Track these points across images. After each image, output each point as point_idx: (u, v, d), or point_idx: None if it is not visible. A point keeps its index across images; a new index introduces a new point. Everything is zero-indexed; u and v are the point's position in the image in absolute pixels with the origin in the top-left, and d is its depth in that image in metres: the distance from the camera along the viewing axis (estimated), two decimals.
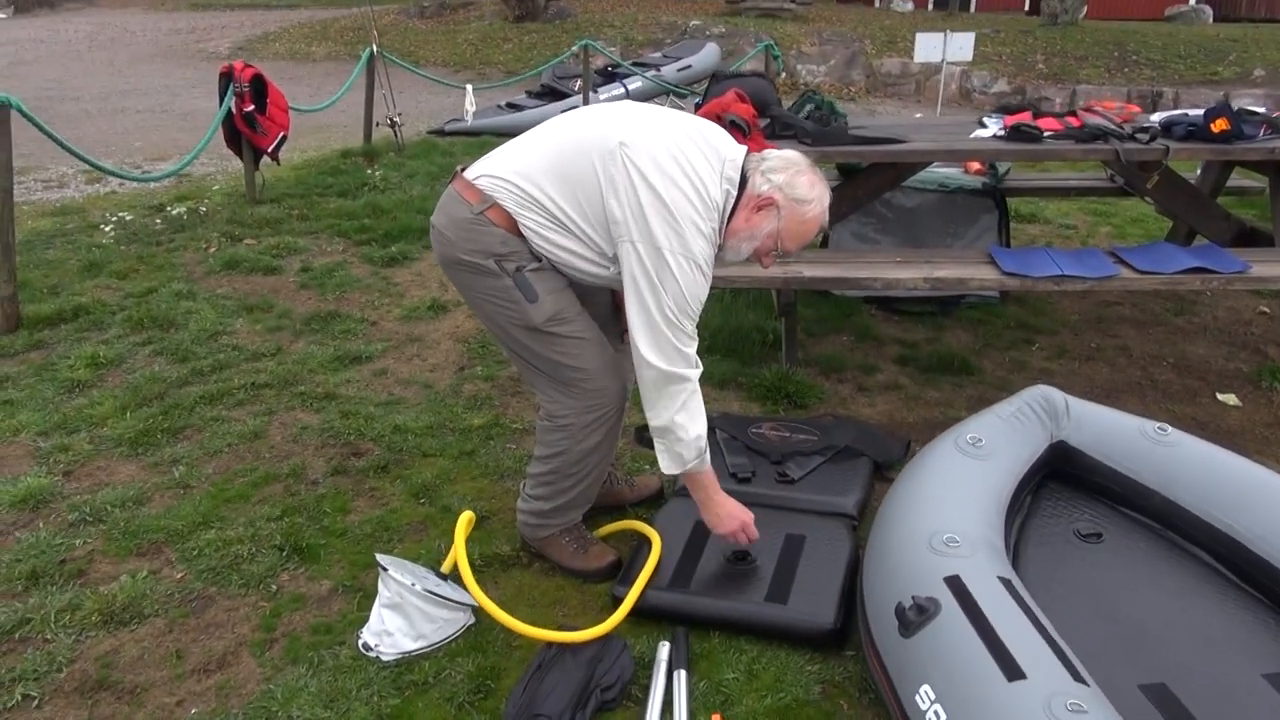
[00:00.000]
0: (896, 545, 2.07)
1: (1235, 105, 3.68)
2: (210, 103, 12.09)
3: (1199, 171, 4.68)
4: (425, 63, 15.62)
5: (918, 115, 12.87)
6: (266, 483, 2.94)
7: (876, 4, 29.44)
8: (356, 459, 3.09)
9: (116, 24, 26.04)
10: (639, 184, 2.06)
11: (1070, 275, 3.19)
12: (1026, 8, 29.75)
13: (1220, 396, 3.49)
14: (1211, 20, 26.70)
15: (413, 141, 8.46)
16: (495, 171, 2.21)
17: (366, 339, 4.11)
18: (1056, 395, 2.53)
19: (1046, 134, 3.64)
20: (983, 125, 3.96)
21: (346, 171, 7.29)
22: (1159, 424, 2.45)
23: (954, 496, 2.17)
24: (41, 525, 2.72)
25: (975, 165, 4.64)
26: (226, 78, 6.05)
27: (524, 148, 2.24)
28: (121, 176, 5.29)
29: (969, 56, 9.75)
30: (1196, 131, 3.52)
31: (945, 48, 9.50)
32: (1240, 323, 4.24)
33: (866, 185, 3.90)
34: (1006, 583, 1.87)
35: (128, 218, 5.92)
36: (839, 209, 4.04)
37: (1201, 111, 3.65)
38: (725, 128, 3.48)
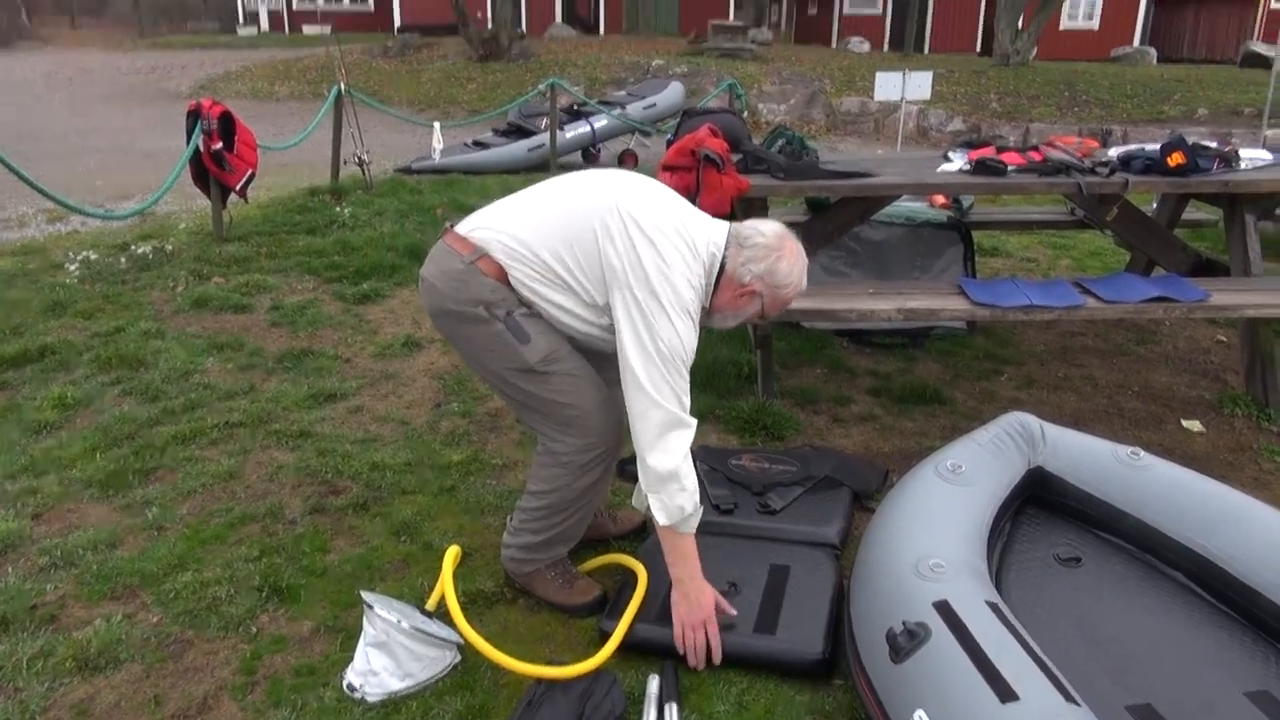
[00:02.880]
0: (883, 572, 2.09)
1: (1189, 140, 3.81)
2: (172, 142, 12.02)
3: (1155, 205, 4.82)
4: (389, 102, 15.67)
5: (879, 152, 13.13)
6: (243, 523, 2.90)
7: (834, 44, 30.15)
8: (335, 497, 3.06)
9: (74, 63, 25.86)
10: (635, 234, 2.12)
11: (1039, 305, 3.26)
12: (978, 49, 30.64)
13: (1185, 423, 3.58)
14: (1155, 61, 27.66)
15: (380, 180, 8.47)
16: (487, 225, 2.28)
17: (341, 376, 4.08)
18: (1032, 421, 2.58)
19: (1010, 168, 3.73)
20: (948, 160, 4.05)
21: (314, 209, 7.27)
22: (1131, 449, 2.51)
23: (937, 522, 2.20)
24: (10, 570, 2.65)
25: (940, 199, 4.75)
26: (194, 115, 6.03)
27: (517, 206, 2.31)
28: (87, 214, 5.24)
29: (927, 94, 9.98)
30: (1154, 165, 3.63)
31: (904, 86, 9.72)
32: (1200, 351, 4.36)
33: (836, 219, 3.97)
34: (994, 606, 1.90)
35: (92, 256, 5.85)
36: (809, 244, 4.11)
37: (1158, 146, 3.77)
38: (700, 162, 3.55)
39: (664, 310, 2.10)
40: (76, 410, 3.69)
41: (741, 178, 3.58)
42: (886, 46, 30.46)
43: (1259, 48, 26.36)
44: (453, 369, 4.18)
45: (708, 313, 2.29)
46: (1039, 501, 2.56)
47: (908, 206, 4.62)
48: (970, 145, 4.17)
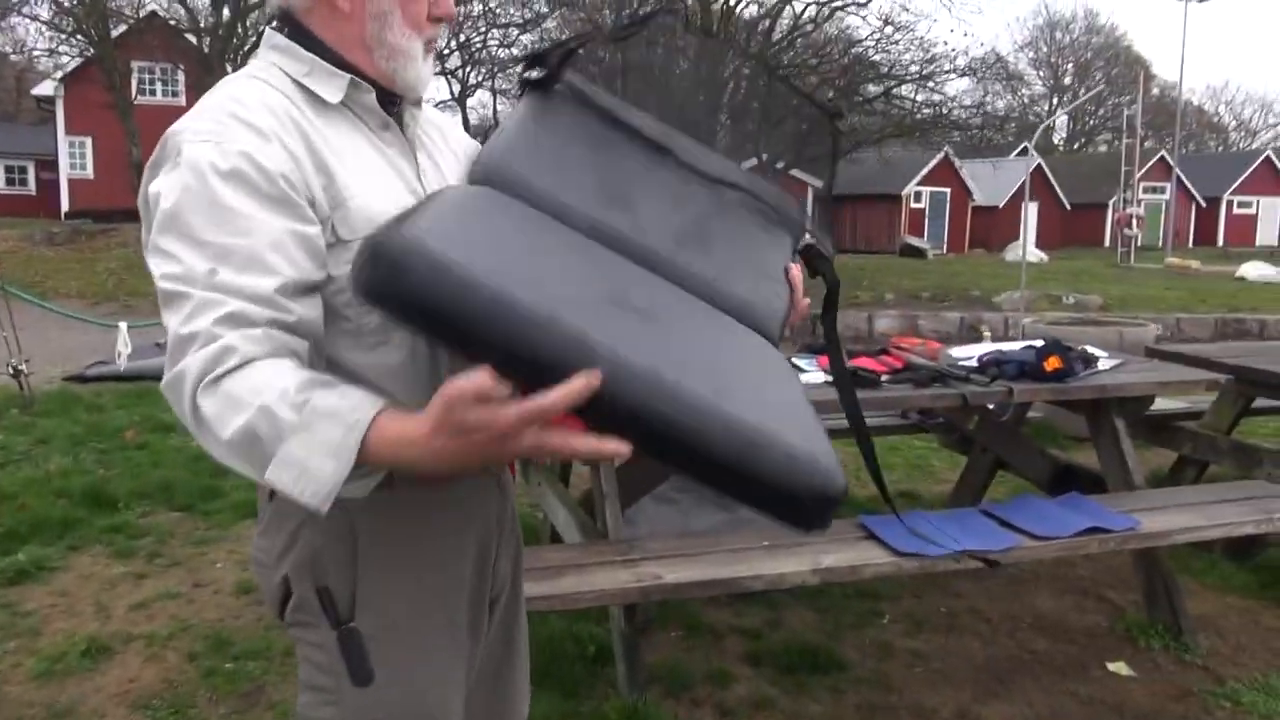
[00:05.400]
0: None
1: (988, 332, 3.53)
2: None
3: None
4: (56, 294, 13.50)
5: None
6: None
7: None
8: None
9: None
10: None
11: (974, 550, 2.66)
12: None
13: (1111, 667, 3.08)
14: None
15: (45, 393, 6.77)
16: None
17: None
18: None
19: (883, 377, 3.22)
20: (798, 369, 3.49)
21: None
22: None
23: None
24: None
25: None
26: None
27: None
28: None
29: None
30: (1029, 370, 3.26)
31: None
32: (1062, 564, 3.99)
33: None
34: None
35: None
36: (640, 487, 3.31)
37: (1021, 346, 3.45)
38: None
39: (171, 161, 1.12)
40: None
41: None
42: None
43: (911, 240, 30.38)
44: (165, 685, 2.88)
45: (387, 79, 1.26)
46: None
47: None
48: (814, 350, 3.66)
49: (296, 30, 1.25)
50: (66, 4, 20.78)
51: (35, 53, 28.67)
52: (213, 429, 1.02)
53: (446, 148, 1.42)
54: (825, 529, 1.07)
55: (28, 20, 23.68)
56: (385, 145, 1.28)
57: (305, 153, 1.16)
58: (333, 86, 1.23)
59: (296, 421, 0.98)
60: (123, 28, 22.43)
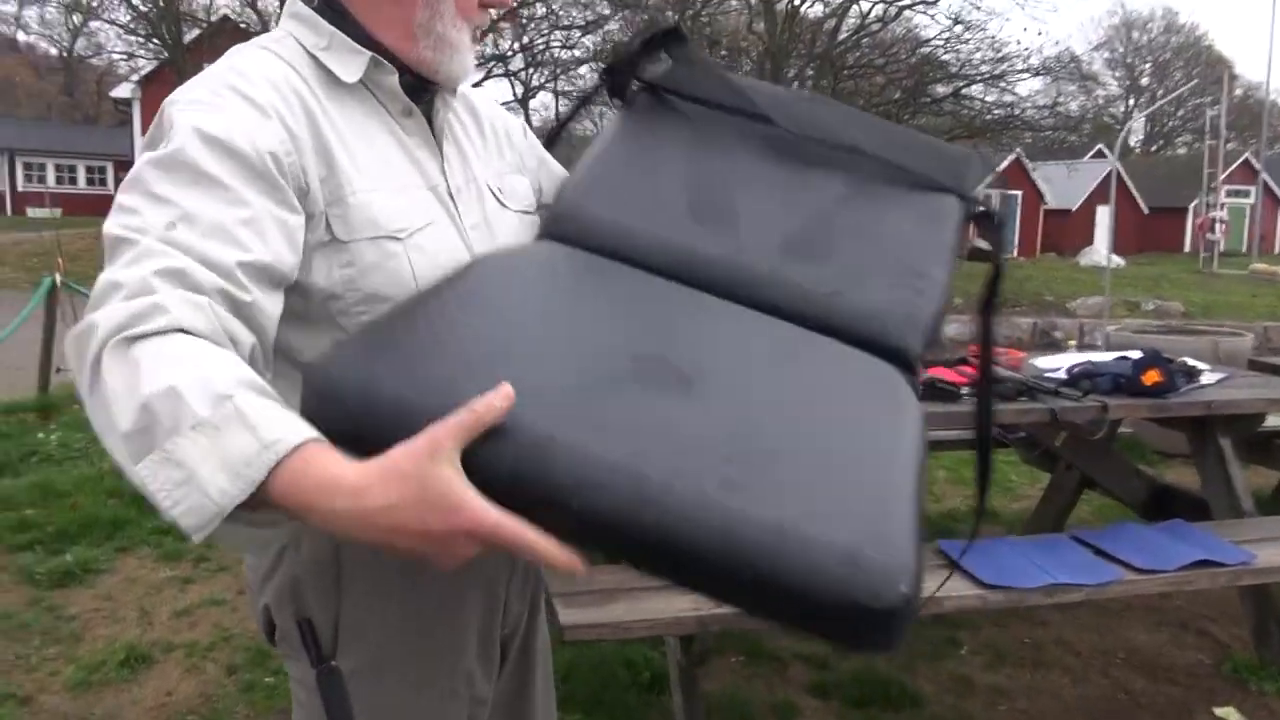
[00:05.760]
0: None
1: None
2: None
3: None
4: None
5: None
6: None
7: None
8: None
9: None
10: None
11: (1065, 583, 2.41)
12: None
13: (1218, 712, 2.80)
14: None
15: None
16: None
17: None
18: None
19: (962, 390, 2.98)
20: None
21: (9, 434, 5.56)
22: None
23: None
24: None
25: None
26: None
27: None
28: None
29: None
30: (1126, 384, 2.99)
31: None
32: (1158, 594, 3.69)
33: None
34: None
35: None
36: None
37: (1113, 357, 3.17)
38: None
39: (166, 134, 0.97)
40: None
41: None
42: None
43: (978, 242, 29.61)
44: (203, 700, 2.77)
45: (427, 66, 1.11)
46: None
47: None
48: None
49: (329, 2, 1.12)
50: (142, 8, 21.29)
51: (114, 56, 29.49)
52: (108, 404, 0.80)
53: (479, 133, 1.27)
54: (888, 649, 0.81)
55: (107, 25, 24.35)
56: (406, 134, 1.14)
57: (308, 135, 1.03)
58: (352, 64, 1.09)
59: (206, 417, 0.77)
60: (195, 31, 22.93)
